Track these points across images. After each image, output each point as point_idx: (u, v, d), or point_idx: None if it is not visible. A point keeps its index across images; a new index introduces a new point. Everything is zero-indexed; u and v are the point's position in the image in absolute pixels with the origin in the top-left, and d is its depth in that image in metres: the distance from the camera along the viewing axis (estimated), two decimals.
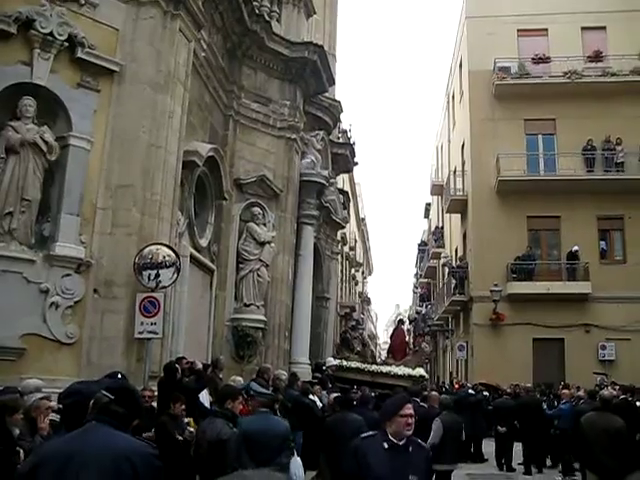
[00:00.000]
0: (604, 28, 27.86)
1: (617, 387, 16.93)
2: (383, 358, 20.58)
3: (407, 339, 20.84)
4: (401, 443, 4.84)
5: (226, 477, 1.38)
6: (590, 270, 25.70)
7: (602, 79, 26.83)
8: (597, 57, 27.42)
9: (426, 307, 43.42)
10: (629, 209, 26.09)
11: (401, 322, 22.16)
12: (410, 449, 4.86)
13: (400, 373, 15.80)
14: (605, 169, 26.62)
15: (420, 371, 16.40)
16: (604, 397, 9.56)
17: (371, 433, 5.15)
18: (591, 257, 26.13)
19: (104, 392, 3.52)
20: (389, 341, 23.78)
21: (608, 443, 8.31)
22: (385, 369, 16.07)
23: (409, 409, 4.91)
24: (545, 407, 16.50)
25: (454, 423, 10.10)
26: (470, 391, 18.94)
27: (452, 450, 9.75)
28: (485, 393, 19.07)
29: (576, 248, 25.87)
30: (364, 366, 16.06)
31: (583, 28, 27.99)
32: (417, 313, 42.25)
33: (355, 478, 4.96)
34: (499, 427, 16.26)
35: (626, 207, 26.05)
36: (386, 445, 4.84)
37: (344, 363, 16.44)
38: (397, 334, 19.73)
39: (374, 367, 16.14)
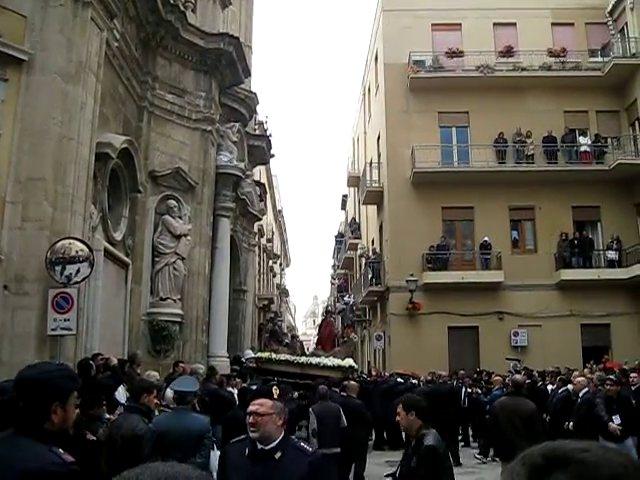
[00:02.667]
0: (514, 24, 28.58)
1: (522, 372, 17.52)
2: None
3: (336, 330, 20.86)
4: (267, 448, 4.02)
5: (132, 469, 1.35)
6: (502, 259, 26.35)
7: (513, 73, 27.49)
8: (508, 52, 28.09)
9: (353, 297, 43.66)
10: (539, 200, 26.82)
11: (329, 313, 22.21)
12: (278, 455, 4.00)
13: (330, 364, 15.83)
14: (516, 161, 27.28)
15: (350, 362, 16.47)
16: (516, 381, 9.79)
17: (243, 437, 4.27)
18: (503, 247, 26.79)
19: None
20: (309, 333, 23.79)
21: (520, 426, 8.53)
22: (315, 360, 16.08)
23: (252, 405, 4.13)
24: (481, 393, 16.93)
25: (327, 411, 10.63)
26: (399, 379, 19.20)
27: (328, 435, 10.19)
28: (414, 381, 19.37)
29: (486, 238, 26.53)
30: (293, 358, 16.03)
31: (495, 24, 28.66)
32: (345, 304, 42.35)
33: None
34: None
35: (536, 198, 26.78)
36: (247, 451, 4.06)
37: (273, 356, 16.42)
38: (326, 325, 19.77)
39: (303, 359, 16.13)
